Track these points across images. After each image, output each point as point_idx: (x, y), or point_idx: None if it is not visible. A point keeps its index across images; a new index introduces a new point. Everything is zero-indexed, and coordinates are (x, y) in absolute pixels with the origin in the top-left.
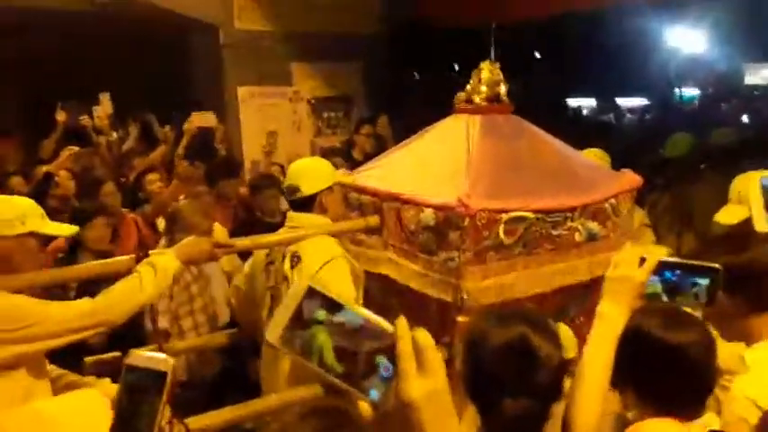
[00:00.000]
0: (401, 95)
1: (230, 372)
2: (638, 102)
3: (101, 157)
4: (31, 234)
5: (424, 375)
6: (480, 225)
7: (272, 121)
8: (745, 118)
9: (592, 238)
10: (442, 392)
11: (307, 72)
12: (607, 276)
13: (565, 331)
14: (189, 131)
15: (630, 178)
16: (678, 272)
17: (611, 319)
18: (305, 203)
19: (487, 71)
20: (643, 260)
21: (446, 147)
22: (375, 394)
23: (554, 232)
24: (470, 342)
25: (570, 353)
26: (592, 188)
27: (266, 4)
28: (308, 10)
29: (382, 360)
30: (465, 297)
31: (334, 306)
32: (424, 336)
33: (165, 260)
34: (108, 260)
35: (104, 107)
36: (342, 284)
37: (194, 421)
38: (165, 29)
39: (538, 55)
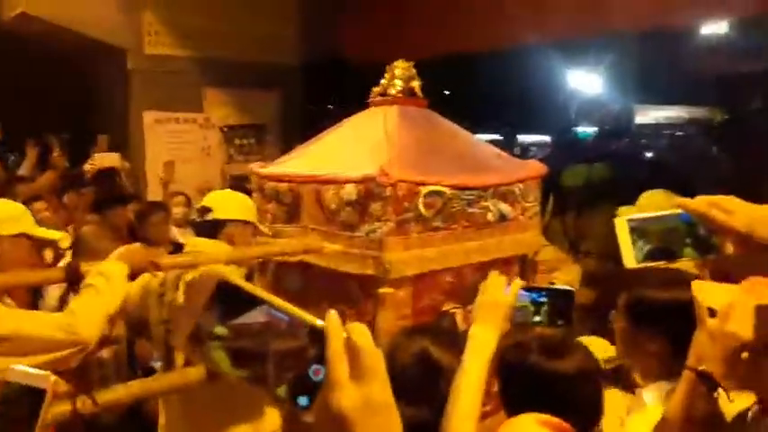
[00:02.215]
0: (315, 127)
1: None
2: (538, 138)
3: None
4: (24, 235)
5: (359, 381)
6: (401, 195)
7: (180, 147)
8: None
9: (503, 218)
10: (380, 402)
11: (219, 99)
12: (477, 301)
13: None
14: (90, 172)
15: (536, 166)
16: (543, 293)
17: (482, 341)
18: (211, 230)
19: (401, 68)
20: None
21: (364, 133)
22: (305, 401)
23: (469, 210)
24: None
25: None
26: (501, 172)
27: (178, 28)
28: (221, 36)
29: (313, 363)
30: (388, 267)
31: (248, 301)
32: (359, 333)
33: (112, 266)
34: (37, 270)
35: None
36: None
37: (101, 395)
38: (73, 51)
39: (447, 92)
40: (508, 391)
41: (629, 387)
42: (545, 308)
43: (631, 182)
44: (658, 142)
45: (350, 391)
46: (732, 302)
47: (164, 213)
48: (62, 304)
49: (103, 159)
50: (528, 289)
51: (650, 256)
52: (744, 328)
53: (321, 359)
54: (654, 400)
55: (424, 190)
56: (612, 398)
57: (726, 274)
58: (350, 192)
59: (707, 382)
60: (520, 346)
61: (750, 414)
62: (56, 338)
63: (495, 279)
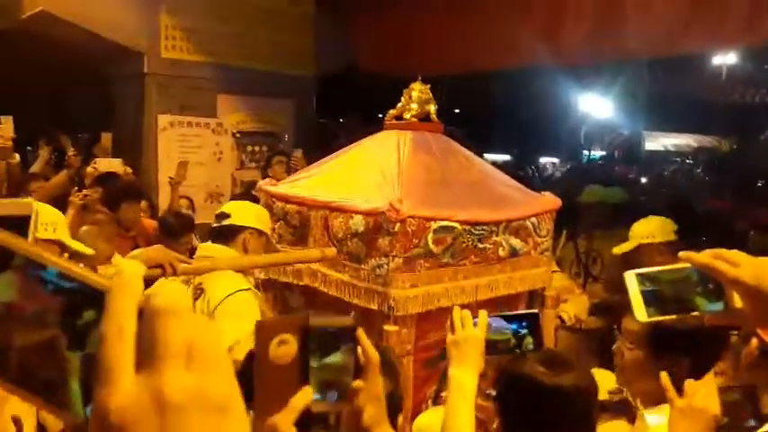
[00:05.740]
0: (327, 136)
1: None
2: (547, 160)
3: None
4: (56, 242)
5: (152, 369)
6: (410, 231)
7: (192, 151)
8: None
9: (514, 253)
10: (191, 399)
11: (233, 105)
12: (448, 341)
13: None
14: (91, 175)
15: (550, 200)
16: (524, 324)
17: (462, 380)
18: (227, 235)
19: (417, 91)
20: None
21: (377, 159)
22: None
23: (480, 245)
24: None
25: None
26: (515, 206)
27: (195, 34)
28: (237, 43)
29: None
30: (392, 305)
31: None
32: (166, 292)
33: (125, 264)
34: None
35: (5, 130)
36: (246, 318)
37: None
38: (90, 52)
39: (457, 110)
40: (506, 403)
41: (634, 418)
42: (527, 339)
43: (642, 207)
44: (667, 170)
45: (128, 385)
46: (696, 383)
47: (191, 234)
48: None
49: (105, 164)
50: (495, 317)
51: (662, 310)
52: (711, 402)
53: None
54: (658, 422)
55: (433, 225)
56: (619, 429)
57: (736, 327)
58: (358, 223)
59: None
60: (520, 359)
61: None
62: None
63: (461, 314)
